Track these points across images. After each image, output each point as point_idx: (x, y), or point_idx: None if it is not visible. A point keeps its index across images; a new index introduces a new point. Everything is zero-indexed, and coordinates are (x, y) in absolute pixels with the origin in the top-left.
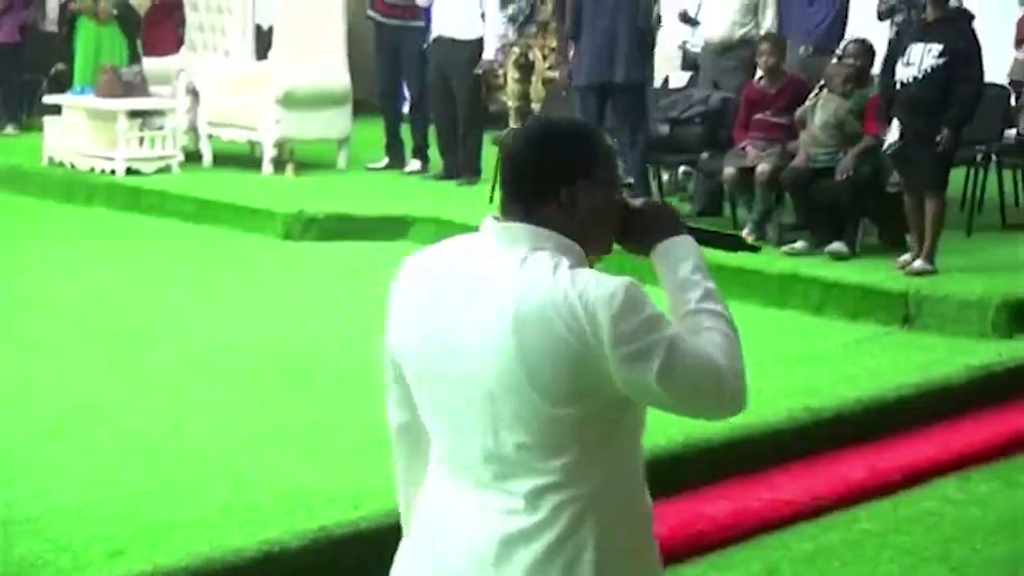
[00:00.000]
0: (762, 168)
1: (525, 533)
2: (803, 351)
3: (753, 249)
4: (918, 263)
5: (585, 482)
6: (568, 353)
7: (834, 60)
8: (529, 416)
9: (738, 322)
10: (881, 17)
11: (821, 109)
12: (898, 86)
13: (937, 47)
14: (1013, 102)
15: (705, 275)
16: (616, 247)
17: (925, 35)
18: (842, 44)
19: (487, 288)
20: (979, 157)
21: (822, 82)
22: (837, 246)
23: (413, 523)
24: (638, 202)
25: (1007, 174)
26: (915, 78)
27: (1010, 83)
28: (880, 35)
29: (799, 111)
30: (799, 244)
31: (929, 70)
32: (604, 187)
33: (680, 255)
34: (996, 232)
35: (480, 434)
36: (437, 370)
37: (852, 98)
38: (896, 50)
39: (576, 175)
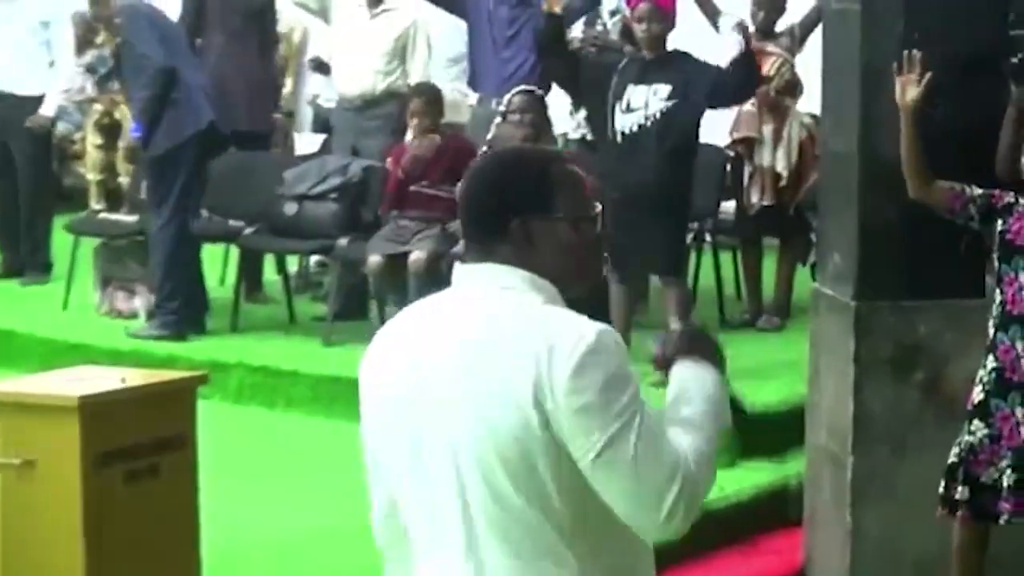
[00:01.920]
0: (417, 255)
1: None
2: None
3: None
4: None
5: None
6: (518, 409)
7: (498, 119)
8: (502, 508)
9: None
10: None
11: None
12: (618, 138)
13: (664, 88)
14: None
15: (711, 404)
16: None
17: (646, 75)
18: (506, 98)
19: (453, 340)
20: (691, 237)
21: (485, 148)
22: None
23: None
24: (677, 326)
25: (725, 257)
26: (640, 126)
27: (733, 142)
28: None
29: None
30: None
31: (658, 115)
32: (567, 222)
33: (691, 376)
34: (713, 331)
35: (452, 518)
36: (415, 449)
37: None
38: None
39: (527, 208)
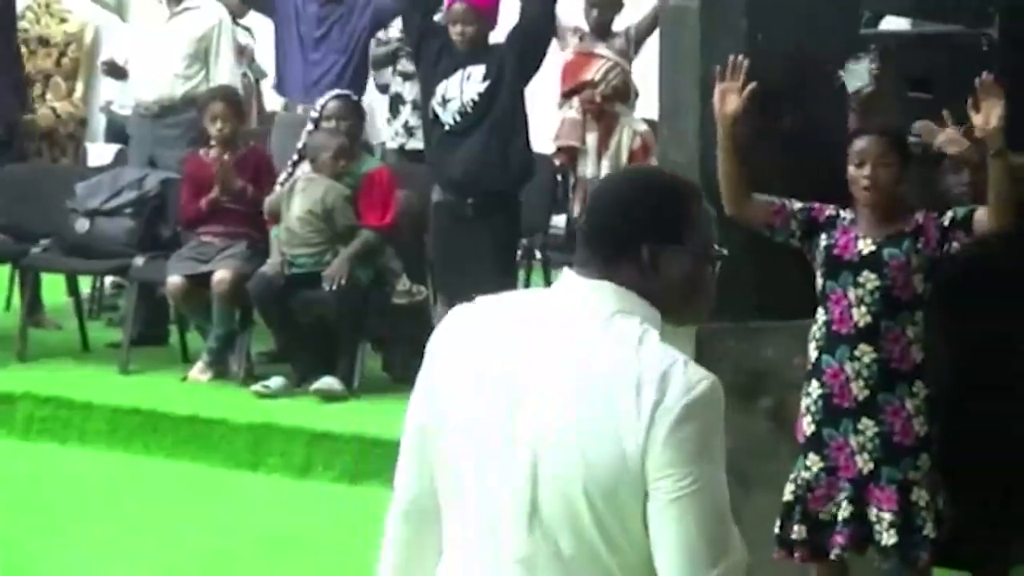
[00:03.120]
0: (220, 276)
1: None
2: (281, 533)
3: None
4: None
5: None
6: (617, 438)
7: (309, 126)
8: (574, 513)
9: (193, 492)
10: (377, 66)
11: (302, 194)
12: (444, 129)
13: (478, 69)
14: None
15: None
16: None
17: (458, 64)
18: (318, 103)
19: (564, 349)
20: (520, 254)
21: (295, 157)
22: (327, 382)
23: None
24: None
25: (558, 275)
26: (461, 114)
27: (558, 150)
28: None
29: (271, 197)
30: (275, 382)
31: (476, 98)
32: (692, 256)
33: None
34: None
35: (515, 523)
36: (487, 439)
37: (345, 178)
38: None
39: (662, 235)
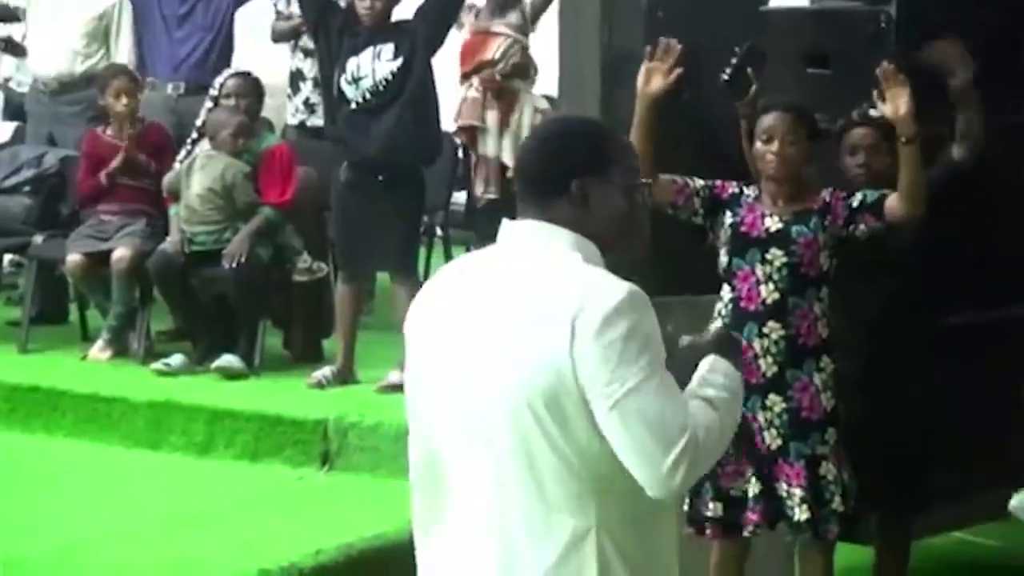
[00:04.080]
0: (120, 254)
1: None
2: (183, 511)
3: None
4: (396, 376)
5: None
6: (553, 360)
7: (208, 103)
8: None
9: (94, 471)
10: (278, 40)
11: (201, 171)
12: (351, 107)
13: (388, 47)
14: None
15: (734, 396)
16: None
17: (368, 41)
18: (218, 81)
19: (497, 293)
20: (422, 231)
21: (194, 135)
22: (228, 360)
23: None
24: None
25: (459, 253)
26: (372, 92)
27: (459, 129)
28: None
29: (170, 175)
30: (176, 360)
31: (389, 76)
32: (620, 188)
33: (722, 368)
34: None
35: (484, 448)
36: (458, 395)
37: (244, 155)
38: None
39: (586, 171)
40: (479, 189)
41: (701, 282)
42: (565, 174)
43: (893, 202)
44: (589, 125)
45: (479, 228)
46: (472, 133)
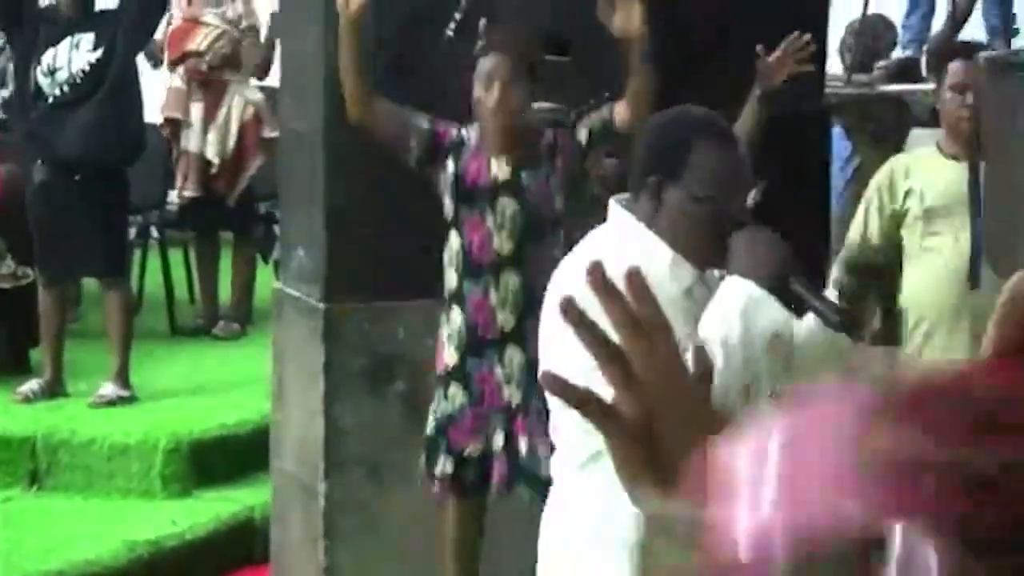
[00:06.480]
0: None
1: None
2: None
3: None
4: (109, 388)
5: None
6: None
7: None
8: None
9: None
10: None
11: None
12: (48, 101)
13: (88, 37)
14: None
15: None
16: None
17: (65, 29)
18: None
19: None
20: (134, 232)
21: None
22: None
23: None
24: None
25: (175, 254)
26: (69, 85)
27: (166, 121)
28: None
29: None
30: None
31: (87, 68)
32: (690, 196)
33: None
34: (163, 341)
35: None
36: None
37: None
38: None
39: (663, 169)
40: (178, 185)
41: (430, 284)
42: (646, 168)
43: (621, 109)
44: (688, 122)
45: (208, 227)
46: (175, 126)
